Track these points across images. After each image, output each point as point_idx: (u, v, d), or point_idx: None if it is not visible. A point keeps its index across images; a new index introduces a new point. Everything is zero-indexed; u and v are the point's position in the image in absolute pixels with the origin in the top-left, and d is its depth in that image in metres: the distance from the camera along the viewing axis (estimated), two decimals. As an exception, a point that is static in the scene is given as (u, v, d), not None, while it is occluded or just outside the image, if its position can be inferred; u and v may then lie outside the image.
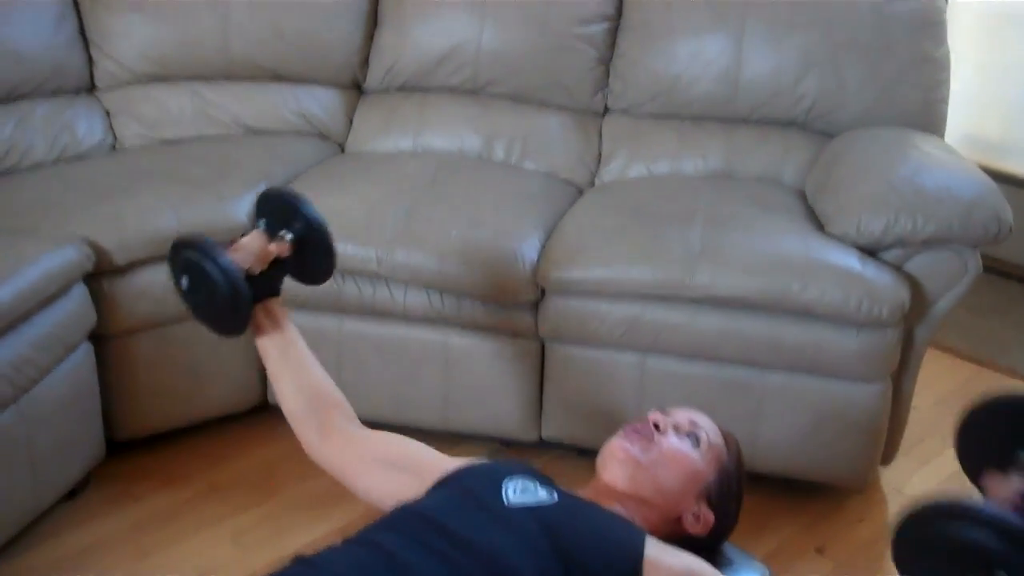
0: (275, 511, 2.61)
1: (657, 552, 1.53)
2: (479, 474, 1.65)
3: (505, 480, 1.60)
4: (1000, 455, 1.52)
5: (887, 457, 2.71)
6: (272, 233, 1.90)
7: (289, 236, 1.89)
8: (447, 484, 1.66)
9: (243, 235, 1.93)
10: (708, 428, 1.76)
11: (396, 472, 1.77)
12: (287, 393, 1.86)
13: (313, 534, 2.51)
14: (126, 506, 2.60)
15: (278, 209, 1.92)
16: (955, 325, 3.46)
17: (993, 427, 1.56)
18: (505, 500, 1.56)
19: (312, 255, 1.93)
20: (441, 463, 1.77)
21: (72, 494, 2.58)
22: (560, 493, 1.61)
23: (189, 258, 1.77)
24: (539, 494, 1.58)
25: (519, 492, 1.58)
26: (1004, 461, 1.50)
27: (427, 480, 1.70)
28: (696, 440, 1.73)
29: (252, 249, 1.84)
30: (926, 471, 2.81)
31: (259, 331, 1.89)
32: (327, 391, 1.88)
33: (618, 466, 1.69)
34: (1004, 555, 1.25)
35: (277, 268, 1.88)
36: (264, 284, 1.86)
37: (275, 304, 1.90)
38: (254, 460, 2.79)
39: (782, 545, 2.54)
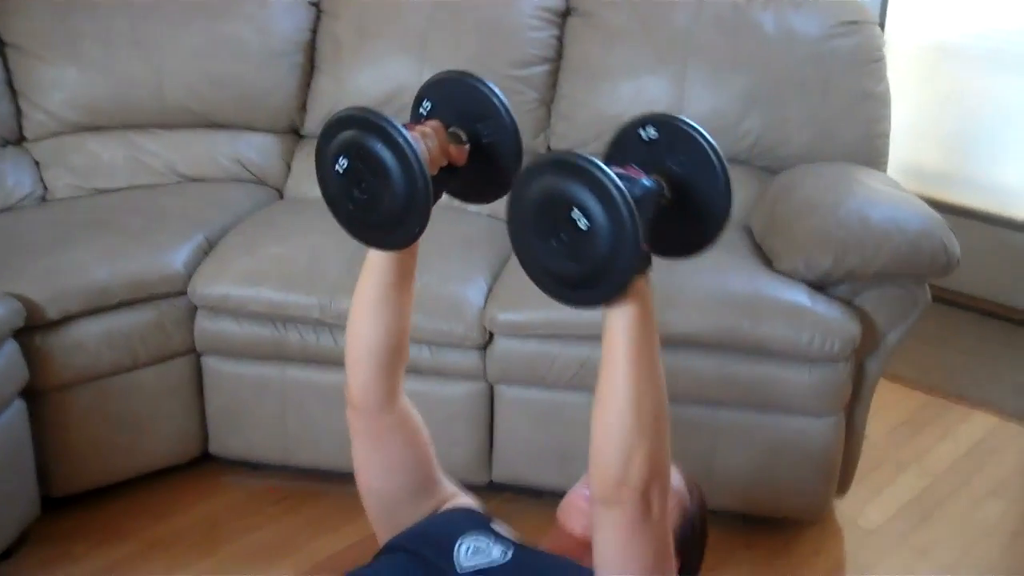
0: (219, 567, 2.52)
1: None
2: (431, 536, 1.58)
3: (458, 541, 1.54)
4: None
5: (842, 488, 2.70)
6: (450, 125, 1.48)
7: (467, 143, 1.48)
8: (396, 549, 1.59)
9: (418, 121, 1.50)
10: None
11: (403, 473, 1.66)
12: (379, 329, 1.53)
13: None
14: (63, 566, 2.50)
15: (458, 99, 1.49)
16: (905, 354, 3.47)
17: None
18: (457, 566, 1.50)
19: (491, 166, 1.50)
20: (443, 486, 1.72)
21: (7, 554, 2.47)
22: (516, 549, 1.55)
23: (361, 139, 1.35)
24: (492, 554, 1.52)
25: (471, 554, 1.52)
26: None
27: (421, 495, 1.66)
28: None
29: (431, 145, 1.42)
30: (880, 500, 2.81)
31: None
32: (407, 342, 1.59)
33: (579, 515, 1.65)
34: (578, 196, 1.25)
35: (444, 175, 1.47)
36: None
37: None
38: (196, 514, 2.71)
39: (741, 582, 2.51)
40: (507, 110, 1.47)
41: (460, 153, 1.46)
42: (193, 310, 2.66)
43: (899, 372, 3.30)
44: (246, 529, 2.64)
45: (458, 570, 1.49)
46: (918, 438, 3.09)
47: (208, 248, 2.75)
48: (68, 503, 2.64)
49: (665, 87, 2.96)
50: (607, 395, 1.34)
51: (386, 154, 1.33)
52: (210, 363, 2.71)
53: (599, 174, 1.25)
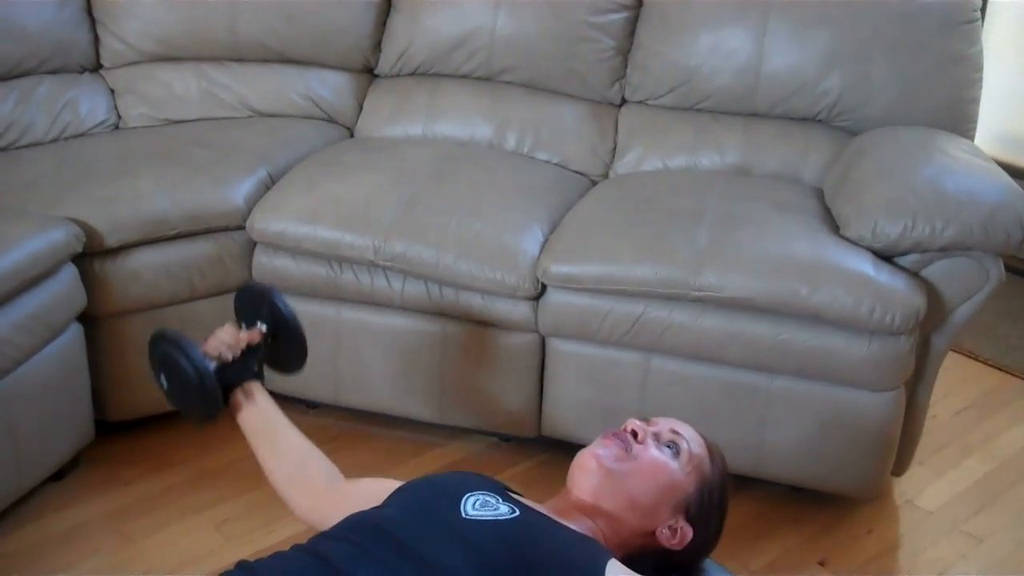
0: (262, 500, 2.53)
1: None
2: (439, 486, 1.58)
3: (465, 494, 1.53)
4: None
5: (900, 467, 2.62)
6: (248, 323, 2.02)
7: (263, 326, 2.01)
8: (407, 491, 1.59)
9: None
10: (690, 438, 1.67)
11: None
12: (271, 464, 1.91)
13: (297, 526, 2.39)
14: (113, 490, 2.56)
15: (252, 300, 2.06)
16: (983, 331, 3.35)
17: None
18: (463, 513, 1.49)
19: (284, 344, 2.03)
20: None
21: (59, 475, 2.54)
22: (523, 509, 1.53)
23: (164, 351, 1.89)
24: (499, 509, 1.51)
25: (478, 506, 1.51)
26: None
27: None
28: (676, 450, 1.64)
29: (224, 338, 1.93)
30: (942, 482, 2.71)
31: (237, 410, 1.95)
32: (308, 455, 1.92)
33: (585, 477, 1.62)
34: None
35: (251, 354, 1.97)
36: (241, 370, 1.94)
37: (255, 386, 1.96)
38: (245, 447, 2.69)
39: (782, 556, 2.45)
40: (280, 301, 2.03)
41: (253, 335, 1.97)
42: (252, 245, 2.68)
43: (975, 349, 3.18)
44: (294, 465, 2.66)
45: (463, 516, 1.49)
46: (988, 420, 2.98)
47: (270, 184, 2.76)
48: (121, 429, 2.70)
49: (744, 40, 2.86)
50: None
51: (183, 361, 1.86)
52: (267, 298, 2.72)
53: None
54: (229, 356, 1.92)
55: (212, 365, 1.88)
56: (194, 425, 1.98)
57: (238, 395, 1.94)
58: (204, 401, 1.89)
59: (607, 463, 1.61)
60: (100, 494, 2.54)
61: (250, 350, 1.97)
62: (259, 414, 1.95)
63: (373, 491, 1.71)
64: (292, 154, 2.87)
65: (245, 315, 2.06)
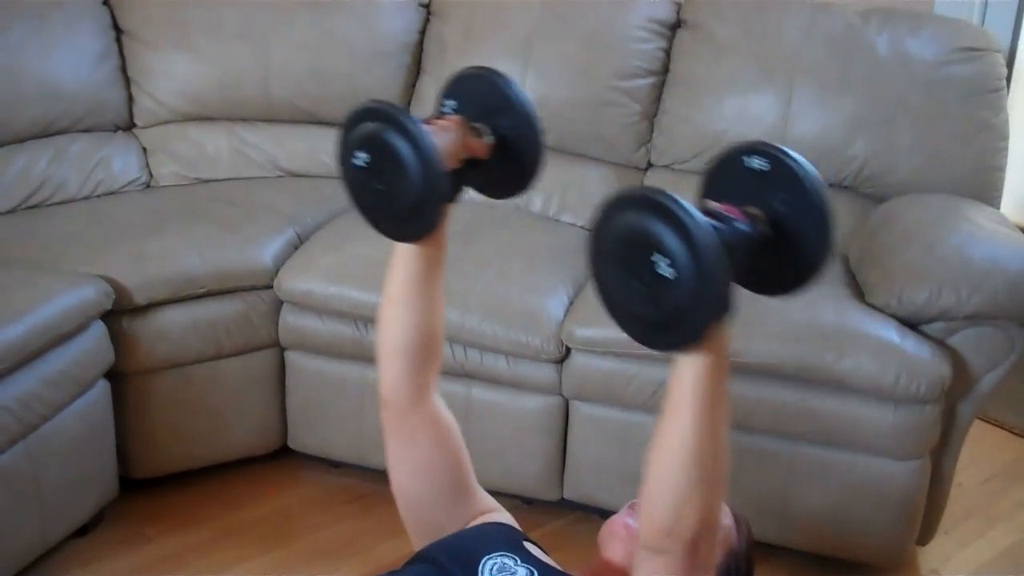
0: (286, 561, 2.55)
1: None
2: (455, 550, 1.57)
3: (483, 559, 1.52)
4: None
5: (924, 537, 2.59)
6: (468, 123, 1.53)
7: (490, 138, 1.53)
8: (425, 559, 1.59)
9: (436, 117, 1.53)
10: (716, 507, 1.67)
11: (433, 473, 1.67)
12: (408, 325, 1.55)
13: None
14: (137, 546, 2.56)
15: (480, 95, 1.53)
16: (1008, 399, 3.32)
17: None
18: None
19: (514, 161, 1.54)
20: (477, 497, 1.71)
21: (83, 531, 2.54)
22: (542, 571, 1.53)
23: (378, 133, 1.39)
24: (517, 573, 1.51)
25: (496, 572, 1.50)
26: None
27: (452, 501, 1.65)
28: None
29: (453, 138, 1.47)
30: (967, 552, 2.68)
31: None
32: (439, 340, 1.61)
33: (618, 543, 1.62)
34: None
35: (466, 170, 1.51)
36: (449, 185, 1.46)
37: (446, 212, 1.48)
38: (271, 506, 2.74)
39: (807, 626, 2.43)
40: (526, 104, 1.50)
41: (481, 146, 1.50)
42: (279, 304, 2.69)
43: (1000, 417, 3.16)
44: (317, 526, 2.67)
45: None
46: (1014, 489, 2.94)
47: (298, 244, 2.78)
48: (146, 485, 2.70)
49: (771, 105, 2.88)
50: (667, 441, 1.31)
51: (403, 147, 1.36)
52: (293, 358, 2.74)
53: (692, 226, 1.20)
54: (446, 164, 1.44)
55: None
56: (395, 237, 1.52)
57: None
58: (429, 203, 1.40)
59: (637, 530, 1.61)
60: (124, 551, 2.54)
61: (471, 163, 1.51)
62: (435, 258, 1.54)
63: (444, 429, 1.64)
64: (320, 214, 2.89)
65: (464, 109, 1.54)
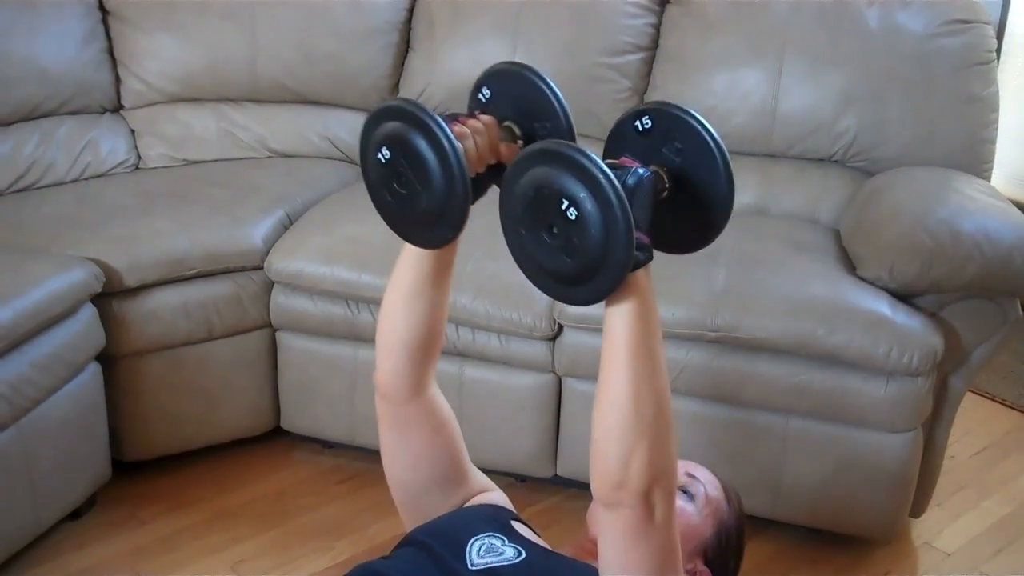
0: (279, 541, 2.55)
1: None
2: (443, 532, 1.57)
3: (470, 540, 1.52)
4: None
5: (917, 509, 2.60)
6: (499, 124, 1.44)
7: (521, 141, 1.43)
8: (412, 543, 1.58)
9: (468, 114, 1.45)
10: (707, 481, 1.68)
11: (429, 463, 1.64)
12: (411, 321, 1.52)
13: (313, 567, 2.46)
14: (130, 529, 2.56)
15: (520, 95, 1.44)
16: (1000, 371, 3.33)
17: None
18: (468, 562, 1.48)
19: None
20: (471, 479, 1.69)
21: (76, 515, 2.54)
22: (528, 549, 1.52)
23: (403, 134, 1.31)
24: (505, 553, 1.50)
25: (483, 552, 1.50)
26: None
27: (447, 487, 1.64)
28: (692, 495, 1.64)
29: (480, 142, 1.39)
30: (960, 524, 2.69)
31: None
32: (441, 337, 1.58)
33: None
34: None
35: (493, 172, 1.43)
36: (473, 189, 1.34)
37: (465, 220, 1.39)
38: (263, 487, 2.74)
39: (800, 599, 2.44)
40: (566, 113, 1.41)
41: (510, 152, 1.41)
42: (270, 285, 2.69)
43: (992, 390, 3.17)
44: (310, 506, 2.66)
45: (469, 566, 1.47)
46: (1006, 461, 2.95)
47: (288, 224, 2.77)
48: (138, 468, 2.70)
49: (760, 80, 2.87)
50: (605, 394, 1.29)
51: (427, 152, 1.30)
52: (284, 339, 2.73)
53: (586, 162, 1.20)
54: (473, 169, 1.38)
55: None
56: (411, 241, 1.43)
57: None
58: (450, 212, 1.31)
59: None
60: (116, 534, 2.53)
61: (498, 166, 1.42)
62: (446, 259, 1.50)
63: (440, 420, 1.62)
64: (310, 194, 2.89)
65: (505, 107, 1.45)
